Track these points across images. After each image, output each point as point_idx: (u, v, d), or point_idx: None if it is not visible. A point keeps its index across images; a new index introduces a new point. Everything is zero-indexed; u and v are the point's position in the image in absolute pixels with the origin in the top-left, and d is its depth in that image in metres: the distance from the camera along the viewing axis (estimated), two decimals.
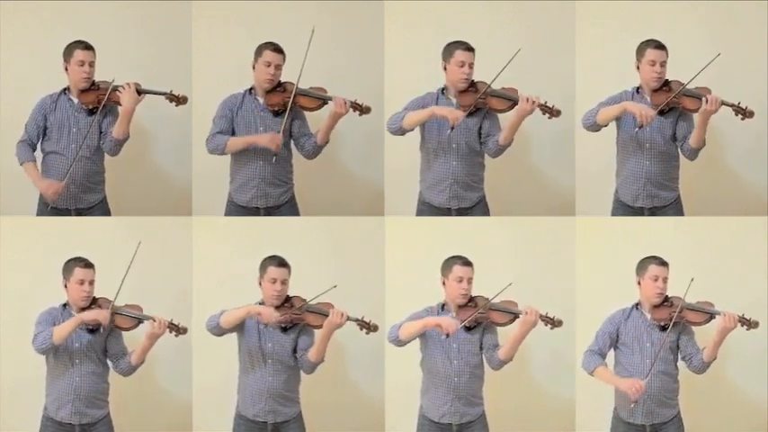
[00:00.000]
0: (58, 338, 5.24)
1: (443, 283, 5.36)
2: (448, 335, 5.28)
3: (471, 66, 5.54)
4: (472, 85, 5.56)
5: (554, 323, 5.30)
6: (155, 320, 5.28)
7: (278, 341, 5.35)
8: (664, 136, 5.55)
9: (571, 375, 5.69)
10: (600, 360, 5.36)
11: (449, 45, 5.55)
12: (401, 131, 5.57)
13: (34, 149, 5.58)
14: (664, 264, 5.36)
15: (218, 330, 5.34)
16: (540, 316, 5.27)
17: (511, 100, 5.49)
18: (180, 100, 5.54)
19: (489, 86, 5.49)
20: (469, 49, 5.53)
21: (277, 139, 5.53)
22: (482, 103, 5.52)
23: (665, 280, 5.35)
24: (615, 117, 5.52)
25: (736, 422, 5.74)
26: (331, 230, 5.79)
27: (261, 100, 5.59)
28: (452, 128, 5.50)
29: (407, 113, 5.54)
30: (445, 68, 5.57)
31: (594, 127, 5.54)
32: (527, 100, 5.43)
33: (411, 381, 5.50)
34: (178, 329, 5.33)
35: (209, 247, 5.76)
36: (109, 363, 5.40)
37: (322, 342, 5.32)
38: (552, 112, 5.47)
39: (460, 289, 5.32)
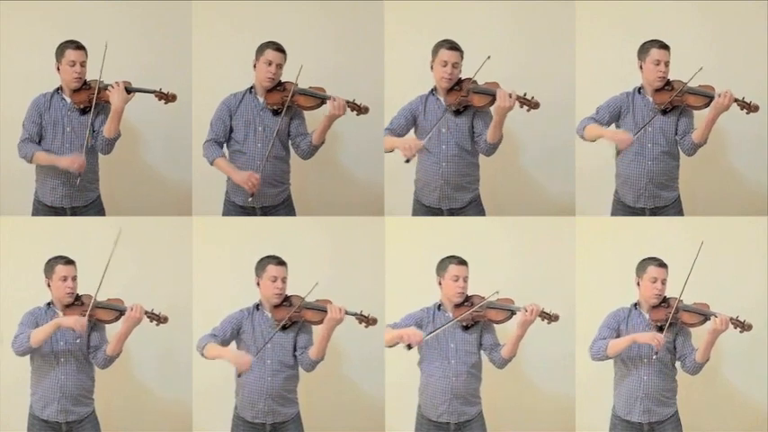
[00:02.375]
0: (35, 342, 5.26)
1: (439, 283, 5.38)
2: (410, 346, 5.30)
3: (455, 65, 5.52)
4: (459, 83, 5.55)
5: (550, 318, 5.30)
6: (131, 308, 5.29)
7: (277, 341, 5.35)
8: (666, 136, 5.55)
9: (571, 375, 5.69)
10: (607, 340, 5.33)
11: (436, 44, 5.54)
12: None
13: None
14: (663, 265, 5.36)
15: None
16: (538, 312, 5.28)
17: (491, 95, 5.46)
18: (169, 98, 5.55)
19: (474, 81, 5.48)
20: (454, 48, 5.52)
21: (79, 160, 5.51)
22: (466, 100, 5.51)
23: (663, 282, 5.35)
24: (599, 137, 5.52)
25: (733, 421, 5.73)
26: (330, 230, 5.79)
27: (261, 99, 5.59)
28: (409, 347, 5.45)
29: (386, 138, 5.57)
30: (432, 67, 5.58)
31: (583, 139, 5.56)
32: (507, 95, 5.39)
33: (411, 380, 5.50)
34: (158, 318, 5.33)
35: (209, 247, 5.76)
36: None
37: (323, 339, 5.31)
38: (531, 104, 5.44)
39: (456, 288, 5.33)
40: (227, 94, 5.63)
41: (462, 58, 5.52)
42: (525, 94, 5.40)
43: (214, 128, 5.61)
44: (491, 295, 5.32)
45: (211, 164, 5.60)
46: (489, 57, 5.42)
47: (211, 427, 5.69)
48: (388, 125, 5.60)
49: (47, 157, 5.55)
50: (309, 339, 5.39)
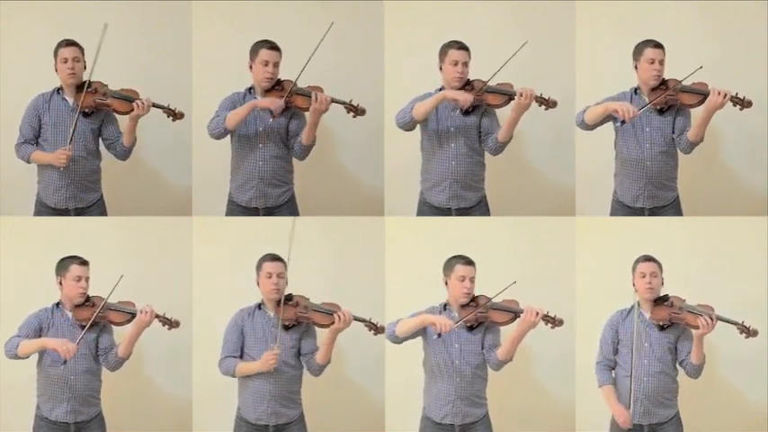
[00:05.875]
0: (22, 353, 5.28)
1: (446, 283, 5.35)
2: (440, 334, 5.27)
3: (465, 64, 5.53)
4: (468, 83, 5.56)
5: (555, 322, 5.29)
6: (143, 311, 5.28)
7: (281, 341, 5.33)
8: (664, 135, 5.55)
9: (571, 375, 5.69)
10: (608, 377, 5.39)
11: (444, 45, 5.55)
12: (411, 123, 5.54)
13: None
14: (649, 260, 5.36)
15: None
16: (542, 315, 5.27)
17: (507, 95, 5.49)
18: (177, 115, 5.53)
19: (486, 84, 5.49)
20: (463, 48, 5.53)
21: (63, 155, 5.49)
22: (478, 100, 5.52)
23: (653, 275, 5.34)
24: (601, 116, 5.50)
25: (734, 422, 5.74)
26: (331, 230, 5.79)
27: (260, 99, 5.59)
28: (461, 109, 5.49)
29: (415, 104, 5.53)
30: (441, 68, 5.58)
31: (584, 126, 5.55)
32: (521, 94, 5.42)
33: (411, 381, 5.50)
34: (170, 322, 5.33)
35: (209, 247, 5.76)
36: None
37: (329, 344, 5.31)
38: (548, 103, 5.46)
39: (463, 288, 5.31)
40: (227, 95, 5.62)
41: (470, 57, 5.52)
42: (541, 94, 5.42)
43: (220, 111, 5.58)
44: (506, 288, 5.29)
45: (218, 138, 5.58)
46: (505, 63, 5.44)
47: (212, 427, 5.69)
48: (408, 110, 5.56)
49: (40, 156, 5.53)
50: (314, 343, 5.38)
